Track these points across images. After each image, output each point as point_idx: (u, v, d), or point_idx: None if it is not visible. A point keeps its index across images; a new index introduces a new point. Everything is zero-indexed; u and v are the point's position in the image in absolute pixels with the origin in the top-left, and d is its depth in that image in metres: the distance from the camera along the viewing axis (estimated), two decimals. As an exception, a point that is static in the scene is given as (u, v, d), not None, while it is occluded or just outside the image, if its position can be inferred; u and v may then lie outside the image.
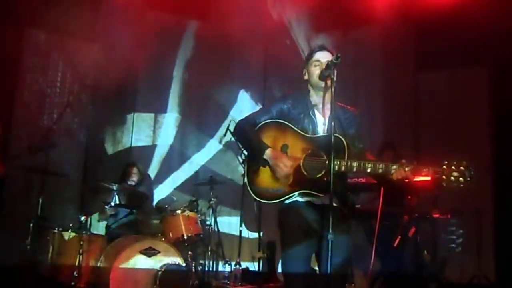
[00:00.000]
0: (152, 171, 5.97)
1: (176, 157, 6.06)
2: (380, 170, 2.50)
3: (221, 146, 5.95)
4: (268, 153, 2.62)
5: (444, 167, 2.43)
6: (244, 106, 6.07)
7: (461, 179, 2.39)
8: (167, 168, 6.03)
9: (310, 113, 2.74)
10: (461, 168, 2.40)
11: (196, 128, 6.02)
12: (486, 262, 5.45)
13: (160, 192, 6.05)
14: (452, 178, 2.40)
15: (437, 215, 4.73)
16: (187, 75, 6.14)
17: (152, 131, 5.95)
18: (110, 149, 6.03)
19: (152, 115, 5.99)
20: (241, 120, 2.85)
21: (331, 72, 2.57)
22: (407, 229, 4.60)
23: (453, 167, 2.41)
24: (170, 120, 6.06)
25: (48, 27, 5.97)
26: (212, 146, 6.00)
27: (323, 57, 2.74)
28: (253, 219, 5.60)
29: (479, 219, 5.48)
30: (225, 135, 5.11)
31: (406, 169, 2.46)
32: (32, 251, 4.38)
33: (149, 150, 5.96)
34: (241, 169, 4.92)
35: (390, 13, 5.84)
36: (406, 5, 5.81)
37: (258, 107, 6.01)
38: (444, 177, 2.41)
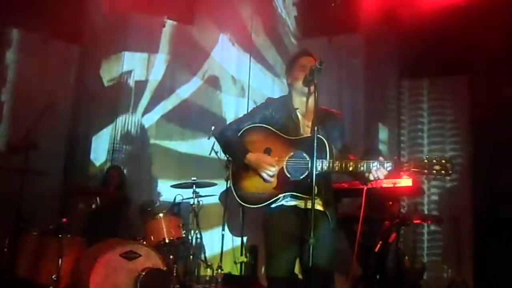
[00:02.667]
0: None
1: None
2: (362, 168, 2.52)
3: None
4: (248, 157, 2.64)
5: (426, 161, 2.44)
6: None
7: (443, 171, 2.40)
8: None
9: (293, 116, 2.77)
10: (443, 161, 2.41)
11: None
12: (465, 267, 5.54)
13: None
14: (434, 171, 2.41)
15: (417, 221, 4.78)
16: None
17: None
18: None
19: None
20: (224, 127, 2.89)
21: (315, 77, 2.60)
22: (388, 234, 4.64)
23: (434, 161, 2.42)
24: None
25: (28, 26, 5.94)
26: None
27: (307, 61, 2.77)
28: (236, 223, 5.61)
29: (459, 225, 5.57)
30: (209, 138, 5.12)
31: (387, 164, 2.48)
32: (10, 253, 4.30)
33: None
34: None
35: (374, 21, 5.93)
36: (390, 13, 5.89)
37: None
38: (425, 170, 2.43)
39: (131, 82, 6.78)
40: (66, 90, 6.41)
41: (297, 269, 2.77)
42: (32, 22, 5.82)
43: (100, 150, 6.56)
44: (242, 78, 6.73)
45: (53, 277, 4.15)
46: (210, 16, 6.73)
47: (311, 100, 2.74)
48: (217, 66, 6.81)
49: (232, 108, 6.75)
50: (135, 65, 6.80)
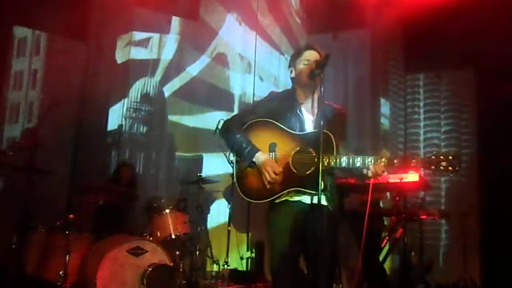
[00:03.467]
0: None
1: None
2: (369, 164, 2.52)
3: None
4: (258, 157, 2.62)
5: (433, 157, 2.45)
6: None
7: (450, 168, 2.41)
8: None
9: (297, 111, 2.75)
10: (450, 157, 2.42)
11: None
12: (471, 263, 5.52)
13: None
14: (441, 167, 2.42)
15: (424, 217, 4.76)
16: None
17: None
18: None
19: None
20: (227, 120, 2.85)
21: (320, 71, 2.59)
22: (394, 230, 4.63)
23: (441, 157, 2.43)
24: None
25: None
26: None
27: (312, 56, 2.75)
28: (241, 219, 5.62)
29: (465, 221, 5.55)
30: (214, 133, 5.11)
31: (395, 161, 2.48)
32: (18, 250, 4.33)
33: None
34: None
35: (379, 16, 5.91)
36: (395, 8, 5.86)
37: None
38: (433, 166, 2.43)
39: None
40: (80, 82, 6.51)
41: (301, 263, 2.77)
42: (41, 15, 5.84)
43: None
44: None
45: (60, 273, 4.16)
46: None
47: (316, 94, 2.73)
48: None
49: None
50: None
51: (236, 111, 6.77)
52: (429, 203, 5.79)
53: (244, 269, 5.62)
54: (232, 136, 2.74)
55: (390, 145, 6.19)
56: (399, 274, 4.97)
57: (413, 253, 5.17)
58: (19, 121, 6.24)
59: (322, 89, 2.59)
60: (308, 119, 2.75)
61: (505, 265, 5.13)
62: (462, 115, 6.10)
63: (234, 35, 7.04)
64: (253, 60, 6.87)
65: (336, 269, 4.84)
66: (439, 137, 6.23)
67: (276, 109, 2.76)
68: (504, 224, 5.21)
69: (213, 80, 6.91)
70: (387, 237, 4.56)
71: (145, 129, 6.72)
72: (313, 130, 2.67)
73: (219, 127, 4.62)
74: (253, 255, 5.59)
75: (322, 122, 2.48)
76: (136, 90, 6.77)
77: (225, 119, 2.93)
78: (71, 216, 4.40)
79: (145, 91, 6.83)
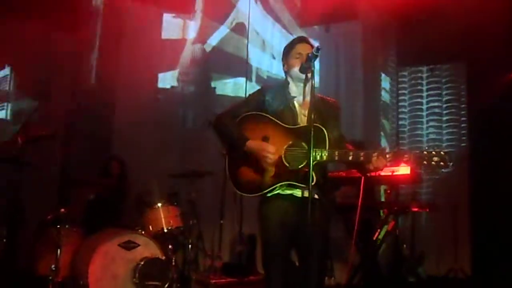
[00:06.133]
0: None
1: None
2: (362, 158, 2.52)
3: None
4: (249, 145, 2.61)
5: (425, 152, 2.46)
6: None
7: (442, 163, 2.43)
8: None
9: (290, 104, 2.74)
10: (441, 153, 2.44)
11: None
12: (462, 255, 5.57)
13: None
14: (433, 163, 2.43)
15: (415, 209, 4.79)
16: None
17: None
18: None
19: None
20: (220, 114, 2.82)
21: (311, 65, 2.58)
22: (386, 222, 4.65)
23: (433, 153, 2.44)
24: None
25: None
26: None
27: (304, 49, 2.73)
28: (234, 212, 5.62)
29: (456, 213, 5.60)
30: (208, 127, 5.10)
31: (387, 156, 2.49)
32: (8, 244, 4.30)
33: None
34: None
35: (372, 9, 5.90)
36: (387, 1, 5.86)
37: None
38: (425, 162, 2.44)
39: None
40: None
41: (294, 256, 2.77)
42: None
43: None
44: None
45: (52, 267, 4.14)
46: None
47: (308, 88, 2.72)
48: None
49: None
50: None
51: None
52: (420, 195, 5.83)
53: (237, 262, 5.63)
54: (224, 130, 2.74)
55: (387, 138, 6.22)
56: (391, 267, 5.00)
57: (404, 246, 5.20)
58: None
59: (312, 82, 2.58)
60: (301, 112, 2.74)
61: (495, 256, 5.19)
62: (452, 109, 6.13)
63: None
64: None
65: (329, 262, 4.87)
66: (423, 129, 6.26)
67: (269, 102, 2.75)
68: (494, 216, 5.26)
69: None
70: (378, 230, 4.59)
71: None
72: (306, 124, 2.66)
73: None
74: (246, 248, 5.59)
75: (313, 116, 2.47)
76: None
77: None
78: (62, 210, 4.39)
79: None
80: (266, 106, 2.74)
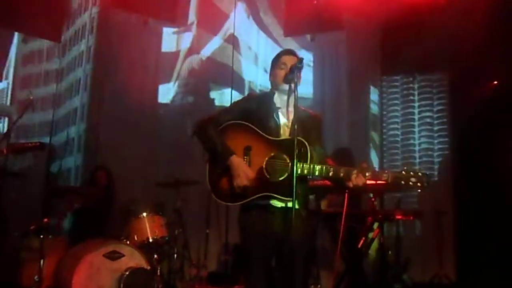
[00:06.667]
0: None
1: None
2: (341, 175, 2.55)
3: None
4: (232, 161, 2.61)
5: (403, 172, 2.51)
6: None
7: (418, 184, 2.48)
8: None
9: (274, 115, 2.76)
10: (419, 174, 2.49)
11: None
12: (446, 261, 5.62)
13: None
14: (411, 183, 2.49)
15: (400, 217, 4.83)
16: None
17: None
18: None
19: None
20: (203, 120, 2.79)
21: (294, 76, 2.61)
22: (371, 230, 4.68)
23: (412, 173, 2.49)
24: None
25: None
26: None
27: (289, 60, 2.77)
28: (220, 221, 5.61)
29: (440, 220, 5.65)
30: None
31: (367, 174, 2.52)
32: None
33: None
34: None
35: (356, 19, 5.97)
36: (372, 11, 5.93)
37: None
38: (402, 182, 2.50)
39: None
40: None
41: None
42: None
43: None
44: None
45: (35, 278, 4.10)
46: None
47: (291, 99, 2.74)
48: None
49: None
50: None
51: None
52: (404, 203, 5.87)
53: (223, 272, 5.61)
54: (207, 137, 2.72)
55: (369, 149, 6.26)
56: (376, 274, 5.02)
57: (389, 252, 5.23)
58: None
59: (296, 93, 2.61)
60: (284, 124, 2.75)
61: (479, 263, 5.24)
62: (436, 117, 6.20)
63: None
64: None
65: (315, 270, 4.88)
66: (414, 138, 6.33)
67: (254, 111, 2.76)
68: (478, 222, 5.33)
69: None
70: (363, 238, 4.61)
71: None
72: (288, 137, 2.67)
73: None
74: (232, 258, 5.58)
75: (296, 127, 2.50)
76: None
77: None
78: (46, 220, 4.34)
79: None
80: (250, 115, 2.75)
